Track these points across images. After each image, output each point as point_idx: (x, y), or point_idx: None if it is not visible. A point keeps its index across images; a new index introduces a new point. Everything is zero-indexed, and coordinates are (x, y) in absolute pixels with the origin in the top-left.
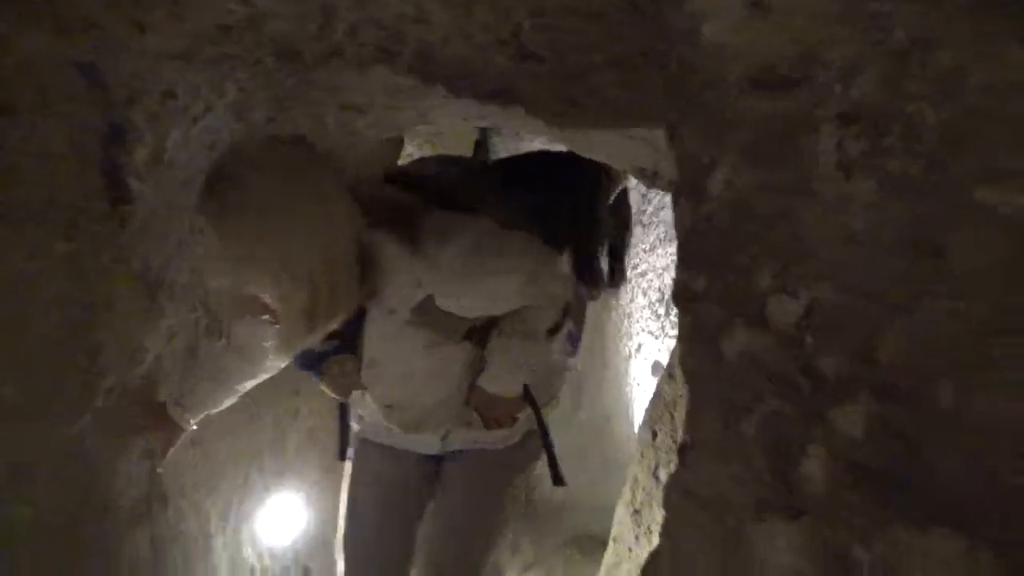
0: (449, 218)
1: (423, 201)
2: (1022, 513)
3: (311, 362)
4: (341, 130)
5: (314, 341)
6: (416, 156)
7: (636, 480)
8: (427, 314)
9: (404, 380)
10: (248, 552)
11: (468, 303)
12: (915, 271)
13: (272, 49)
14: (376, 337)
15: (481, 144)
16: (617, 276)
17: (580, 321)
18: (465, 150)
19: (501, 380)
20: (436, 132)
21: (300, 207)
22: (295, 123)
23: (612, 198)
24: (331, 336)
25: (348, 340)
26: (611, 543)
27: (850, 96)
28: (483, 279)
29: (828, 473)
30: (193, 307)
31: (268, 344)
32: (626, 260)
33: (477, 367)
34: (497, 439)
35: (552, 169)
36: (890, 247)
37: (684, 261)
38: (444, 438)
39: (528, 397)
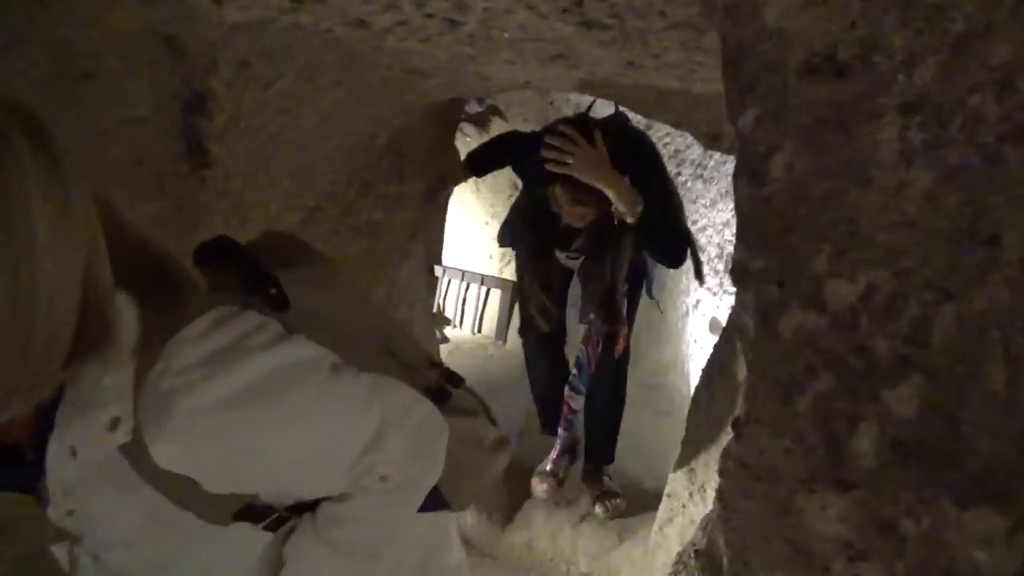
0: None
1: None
2: None
3: None
4: (407, 90)
5: None
6: (476, 111)
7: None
8: (149, 469)
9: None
10: None
11: (219, 484)
12: (970, 258)
13: (342, 19)
14: (59, 482)
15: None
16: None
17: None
18: (529, 102)
19: None
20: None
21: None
22: (365, 85)
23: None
24: None
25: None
26: (665, 498)
27: (913, 85)
28: (253, 447)
29: (879, 449)
30: None
31: None
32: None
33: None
34: None
35: None
36: (946, 235)
37: (743, 240)
38: None
39: None
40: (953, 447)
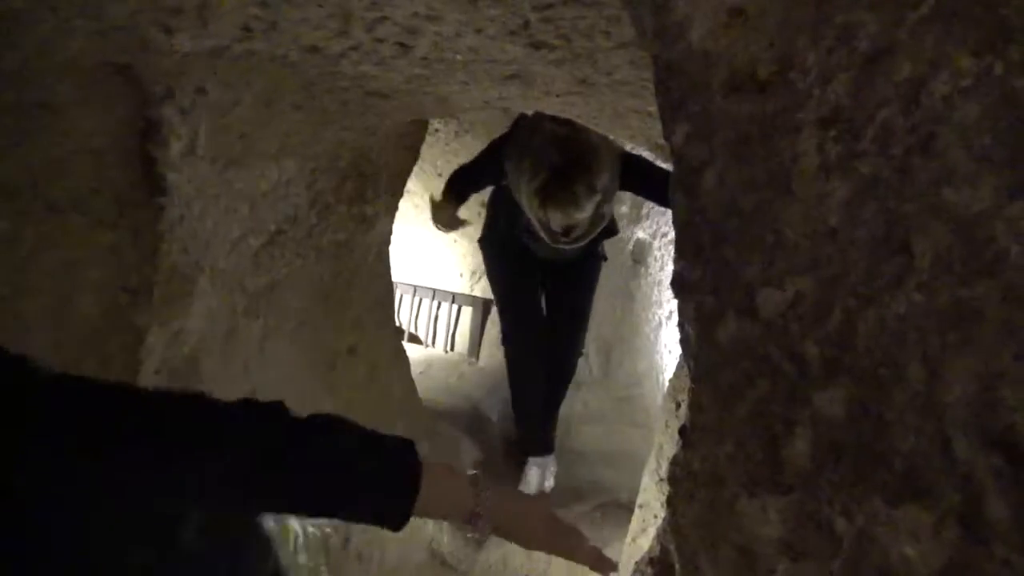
0: None
1: None
2: (981, 488)
3: None
4: (367, 112)
5: None
6: (442, 131)
7: (661, 449)
8: None
9: None
10: (293, 521)
11: None
12: (887, 265)
13: (295, 45)
14: None
15: None
16: None
17: None
18: (490, 120)
19: None
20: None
21: None
22: (324, 108)
23: None
24: None
25: None
26: (637, 510)
27: (827, 100)
28: None
29: (813, 451)
30: (231, 289)
31: None
32: None
33: None
34: None
35: None
36: (864, 243)
37: (681, 252)
38: None
39: None
40: (880, 446)
